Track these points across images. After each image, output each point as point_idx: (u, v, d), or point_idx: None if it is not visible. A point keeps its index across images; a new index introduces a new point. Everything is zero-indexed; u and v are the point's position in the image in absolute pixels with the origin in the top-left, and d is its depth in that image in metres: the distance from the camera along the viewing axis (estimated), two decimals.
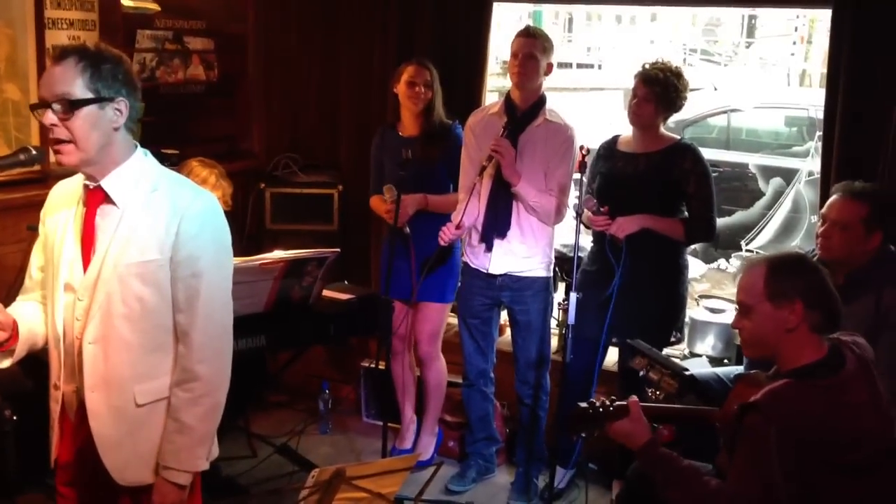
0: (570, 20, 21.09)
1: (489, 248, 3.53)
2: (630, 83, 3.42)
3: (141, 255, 1.99)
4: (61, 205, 2.08)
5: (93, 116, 1.93)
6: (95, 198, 2.02)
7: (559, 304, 4.04)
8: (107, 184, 2.00)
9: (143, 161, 2.05)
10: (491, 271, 3.54)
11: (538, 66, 3.40)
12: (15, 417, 2.09)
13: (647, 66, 3.36)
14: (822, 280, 2.17)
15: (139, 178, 2.02)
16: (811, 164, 6.71)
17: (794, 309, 2.12)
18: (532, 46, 3.39)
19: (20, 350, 2.10)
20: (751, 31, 18.31)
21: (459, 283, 3.80)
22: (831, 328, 2.18)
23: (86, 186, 2.02)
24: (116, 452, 2.05)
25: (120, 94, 1.96)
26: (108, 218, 2.01)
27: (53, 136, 1.93)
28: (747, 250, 6.75)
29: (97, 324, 2.00)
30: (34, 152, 1.97)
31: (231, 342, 2.13)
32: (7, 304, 2.09)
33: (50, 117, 1.91)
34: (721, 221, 6.83)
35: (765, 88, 11.08)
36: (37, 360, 2.50)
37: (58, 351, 2.07)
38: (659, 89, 3.28)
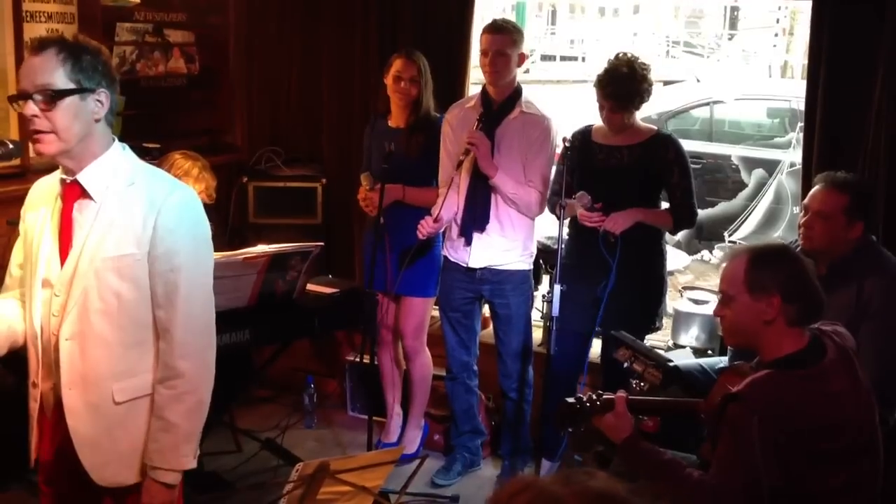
0: (554, 12, 21.12)
1: (468, 242, 3.52)
2: None
3: (117, 250, 1.97)
4: (41, 201, 2.06)
5: (74, 107, 1.91)
6: (72, 192, 2.00)
7: (543, 296, 4.05)
8: (83, 178, 1.98)
9: (120, 154, 2.03)
10: (471, 265, 3.54)
11: (509, 62, 3.39)
12: None
13: (602, 77, 3.30)
14: (803, 273, 2.17)
15: (116, 171, 2.00)
16: (793, 156, 6.75)
17: (772, 302, 2.13)
18: (501, 43, 3.37)
19: (0, 347, 2.07)
20: (733, 23, 18.41)
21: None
22: (809, 322, 2.19)
23: (62, 181, 2.00)
24: (94, 451, 2.03)
25: (101, 86, 1.95)
26: (85, 212, 1.99)
27: (34, 128, 1.91)
28: (730, 241, 6.79)
29: (74, 319, 1.98)
30: (12, 146, 1.95)
31: (214, 337, 2.10)
32: None
33: (31, 108, 1.90)
34: (704, 213, 6.89)
35: (747, 80, 11.13)
36: (18, 357, 2.48)
37: (35, 348, 2.05)
38: (619, 101, 3.25)
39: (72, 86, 1.90)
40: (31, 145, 3.57)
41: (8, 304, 2.13)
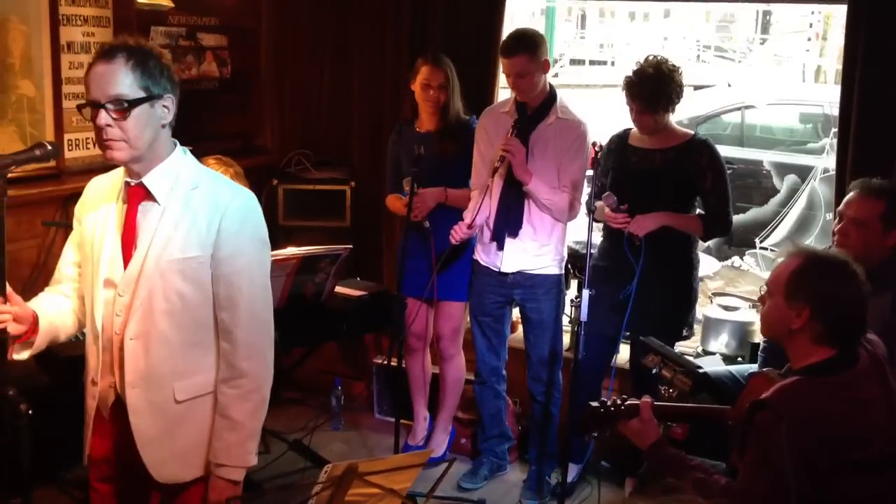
0: (583, 17, 21.03)
1: (500, 247, 3.52)
2: None
3: (182, 252, 2.00)
4: (99, 201, 2.09)
5: (145, 115, 1.94)
6: (137, 194, 2.02)
7: (571, 300, 4.03)
8: (149, 181, 2.00)
9: (182, 158, 2.07)
10: (503, 269, 3.53)
11: (532, 78, 3.36)
12: (31, 412, 2.10)
13: (629, 78, 3.29)
14: (846, 297, 2.10)
15: (180, 174, 2.03)
16: (826, 161, 6.67)
17: (802, 314, 2.10)
18: (518, 66, 3.33)
19: (40, 342, 2.10)
20: (765, 28, 18.22)
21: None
22: (837, 343, 2.12)
23: (127, 183, 2.03)
24: (155, 449, 2.06)
25: (167, 91, 1.98)
26: (150, 214, 2.02)
27: (106, 137, 1.93)
28: (761, 248, 6.71)
29: (139, 319, 2.01)
30: (49, 148, 1.98)
31: (272, 336, 2.14)
32: (25, 299, 2.10)
33: (104, 118, 1.91)
34: (735, 219, 6.76)
35: (779, 85, 11.00)
36: (52, 357, 2.51)
37: (96, 346, 2.08)
38: (647, 102, 3.23)
39: (142, 94, 1.93)
40: (65, 148, 3.63)
41: (52, 299, 2.15)
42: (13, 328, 2.01)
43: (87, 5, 3.74)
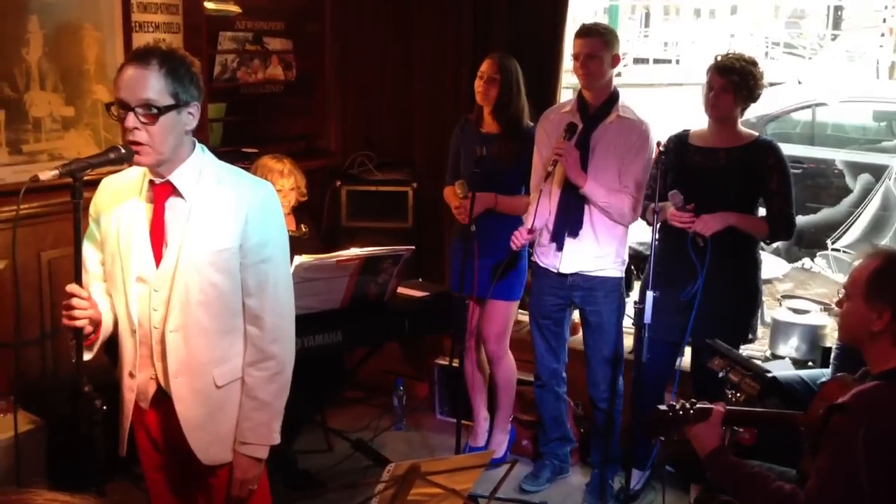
0: (647, 15, 20.77)
1: (560, 248, 3.49)
2: None
3: (214, 245, 2.06)
4: (118, 199, 2.13)
5: (171, 121, 1.99)
6: (163, 192, 2.08)
7: (634, 302, 3.97)
8: (175, 179, 2.06)
9: (202, 156, 2.12)
10: (562, 271, 3.50)
11: (601, 64, 3.34)
12: (105, 407, 2.17)
13: (719, 58, 3.28)
14: None
15: (202, 171, 2.09)
16: None
17: (883, 315, 2.04)
18: (591, 46, 3.32)
19: (99, 343, 2.17)
20: (837, 23, 17.72)
21: (529, 283, 3.77)
22: None
23: (151, 182, 2.08)
24: (201, 433, 2.14)
25: (194, 98, 2.03)
26: (177, 211, 2.07)
27: (133, 139, 1.98)
28: (833, 249, 6.52)
29: (178, 313, 2.07)
30: (123, 151, 2.03)
31: (294, 321, 2.22)
32: None
33: (133, 121, 1.96)
34: (805, 219, 6.63)
35: (852, 82, 10.67)
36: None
37: (133, 340, 2.14)
38: (736, 78, 3.20)
39: (171, 101, 1.98)
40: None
41: (98, 299, 2.16)
42: (87, 330, 2.08)
43: (158, 12, 3.83)
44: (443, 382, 4.34)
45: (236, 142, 4.18)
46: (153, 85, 1.95)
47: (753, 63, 3.25)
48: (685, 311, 3.27)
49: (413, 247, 3.33)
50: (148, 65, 1.96)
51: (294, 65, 4.66)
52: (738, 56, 3.27)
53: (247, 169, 2.43)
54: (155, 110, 1.96)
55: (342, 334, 3.15)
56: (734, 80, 3.19)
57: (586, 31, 3.37)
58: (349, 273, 3.11)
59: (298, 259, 2.88)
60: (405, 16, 4.49)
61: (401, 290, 3.46)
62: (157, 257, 2.08)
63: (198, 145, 2.12)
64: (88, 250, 2.21)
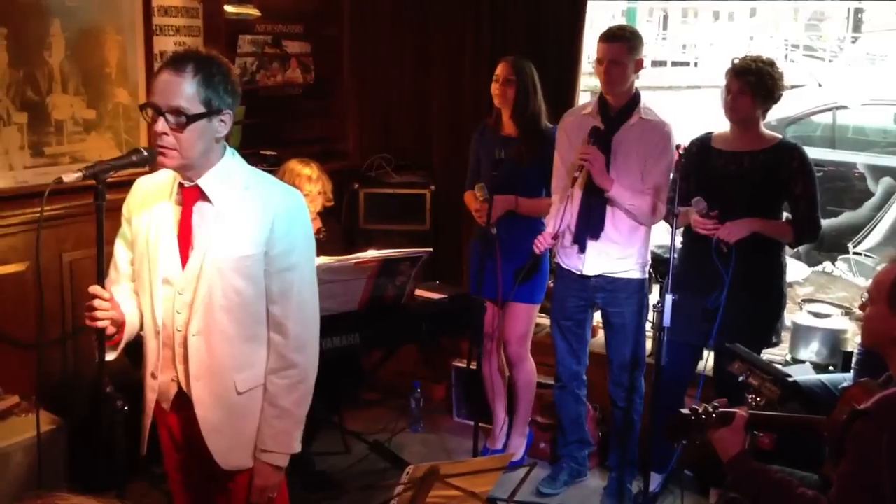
0: (665, 17, 20.69)
1: (582, 250, 3.48)
2: None
3: (239, 251, 2.06)
4: (150, 201, 2.14)
5: (201, 128, 1.99)
6: (192, 196, 2.08)
7: (654, 305, 3.96)
8: (204, 183, 2.06)
9: (232, 161, 2.11)
10: (585, 272, 3.50)
11: (625, 70, 3.32)
12: (126, 408, 2.18)
13: (736, 61, 3.26)
14: None
15: (231, 176, 2.09)
16: None
17: None
18: (616, 52, 3.31)
19: (123, 344, 2.18)
20: (857, 26, 17.58)
21: (552, 285, 3.76)
22: None
23: (181, 185, 2.09)
24: (220, 438, 2.14)
25: (227, 106, 2.02)
26: (205, 215, 2.07)
27: (161, 143, 1.99)
28: (855, 253, 6.46)
29: (200, 316, 2.08)
30: (146, 153, 2.04)
31: (318, 330, 2.21)
32: None
33: (162, 126, 1.97)
34: (826, 222, 6.55)
35: (873, 84, 10.58)
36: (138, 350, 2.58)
37: (157, 342, 2.15)
38: (753, 79, 3.17)
39: (202, 109, 1.97)
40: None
41: (123, 299, 2.17)
42: (109, 331, 2.09)
43: (179, 16, 3.86)
44: (460, 385, 4.34)
45: (255, 144, 4.20)
46: (186, 92, 1.95)
47: (770, 63, 3.22)
48: (707, 316, 3.25)
49: (431, 249, 3.33)
50: (182, 71, 1.95)
51: (312, 68, 4.68)
52: (755, 57, 3.24)
53: (271, 172, 2.42)
54: (184, 118, 1.95)
55: (360, 336, 3.15)
56: (751, 82, 3.17)
57: (611, 36, 3.34)
58: (367, 275, 3.11)
59: (317, 261, 2.88)
60: (422, 18, 4.50)
61: (418, 292, 3.46)
62: (184, 260, 2.09)
63: (228, 150, 2.12)
64: (120, 249, 2.23)
